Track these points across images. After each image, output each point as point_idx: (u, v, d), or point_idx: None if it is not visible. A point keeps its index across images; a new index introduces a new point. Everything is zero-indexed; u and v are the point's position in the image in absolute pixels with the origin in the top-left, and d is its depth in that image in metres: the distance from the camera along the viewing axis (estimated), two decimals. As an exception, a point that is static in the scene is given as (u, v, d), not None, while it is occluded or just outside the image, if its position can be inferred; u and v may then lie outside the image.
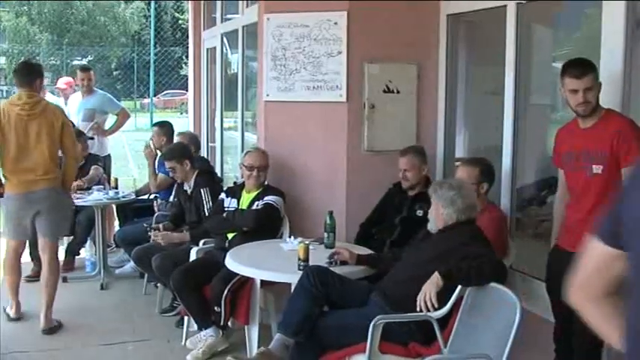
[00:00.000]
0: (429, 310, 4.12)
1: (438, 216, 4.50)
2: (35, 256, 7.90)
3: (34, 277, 7.78)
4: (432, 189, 4.58)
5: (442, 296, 4.20)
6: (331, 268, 4.89)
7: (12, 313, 6.66)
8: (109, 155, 9.48)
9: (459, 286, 4.19)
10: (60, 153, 6.40)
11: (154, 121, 28.69)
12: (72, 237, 8.41)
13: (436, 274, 4.11)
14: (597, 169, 4.14)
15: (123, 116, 9.57)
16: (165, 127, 8.32)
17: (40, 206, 6.26)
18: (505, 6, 5.49)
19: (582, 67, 4.14)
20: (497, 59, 5.72)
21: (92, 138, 8.97)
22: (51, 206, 6.29)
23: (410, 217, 5.50)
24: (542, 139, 6.14)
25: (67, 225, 6.96)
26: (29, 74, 6.41)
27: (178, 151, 6.86)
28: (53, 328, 6.38)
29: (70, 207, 6.97)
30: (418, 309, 4.15)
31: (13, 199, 6.28)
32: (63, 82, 10.50)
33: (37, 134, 6.17)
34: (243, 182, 6.29)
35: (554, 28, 6.39)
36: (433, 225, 4.59)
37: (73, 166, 6.60)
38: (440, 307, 4.21)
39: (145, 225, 6.99)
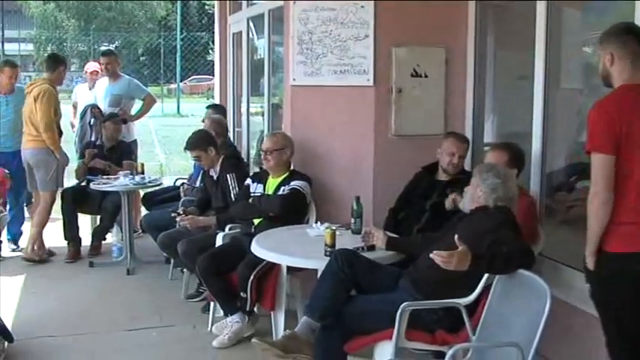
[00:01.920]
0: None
1: (475, 197, 4.44)
2: (70, 238, 8.04)
3: (71, 259, 8.06)
4: (478, 170, 4.51)
5: (470, 282, 4.15)
6: (360, 253, 4.86)
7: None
8: (135, 141, 9.49)
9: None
10: None
11: (180, 107, 29.10)
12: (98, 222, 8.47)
13: (470, 255, 3.96)
14: None
15: (149, 102, 9.58)
16: (219, 110, 8.58)
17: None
18: (535, -11, 5.41)
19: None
20: (526, 43, 5.64)
21: (125, 122, 8.99)
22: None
23: (441, 203, 5.42)
24: (572, 124, 6.05)
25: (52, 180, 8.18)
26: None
27: (201, 140, 6.81)
28: (30, 260, 8.04)
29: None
30: (432, 255, 4.00)
31: None
32: (90, 67, 10.50)
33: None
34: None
35: (585, 11, 6.29)
36: (467, 204, 4.53)
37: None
38: (468, 294, 4.17)
39: (170, 210, 6.98)
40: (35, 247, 8.17)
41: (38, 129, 8.00)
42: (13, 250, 8.49)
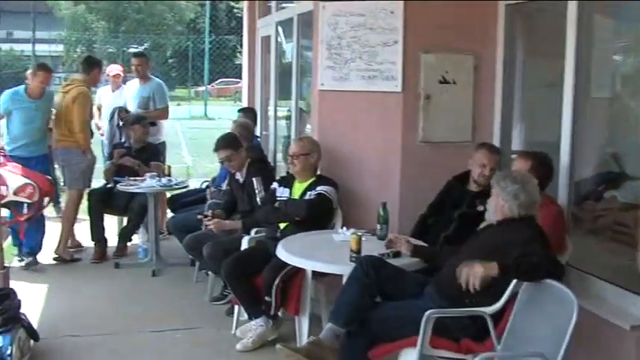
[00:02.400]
0: (469, 292, 4.04)
1: (498, 208, 4.41)
2: (96, 239, 8.10)
3: (97, 260, 8.16)
4: (495, 180, 4.47)
5: (496, 291, 4.12)
6: (385, 259, 4.84)
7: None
8: (164, 142, 9.52)
9: (514, 281, 4.10)
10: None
11: (207, 110, 29.21)
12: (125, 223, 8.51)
13: (495, 263, 3.99)
14: None
15: (161, 114, 9.45)
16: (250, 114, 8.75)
17: None
18: (567, -4, 5.37)
19: None
20: (556, 50, 5.60)
21: (154, 124, 9.02)
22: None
23: (469, 213, 5.39)
24: (601, 133, 6.00)
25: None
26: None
27: (232, 140, 6.85)
28: (59, 259, 8.17)
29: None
30: (459, 280, 4.06)
31: None
32: (112, 70, 10.53)
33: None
34: (296, 172, 6.27)
35: (616, 19, 6.24)
36: (492, 215, 4.50)
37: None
38: (493, 302, 4.14)
39: (197, 213, 7.00)
40: (62, 246, 8.26)
41: (71, 129, 8.23)
42: (27, 264, 7.90)
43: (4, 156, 7.38)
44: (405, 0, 6.14)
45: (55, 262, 8.18)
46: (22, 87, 8.27)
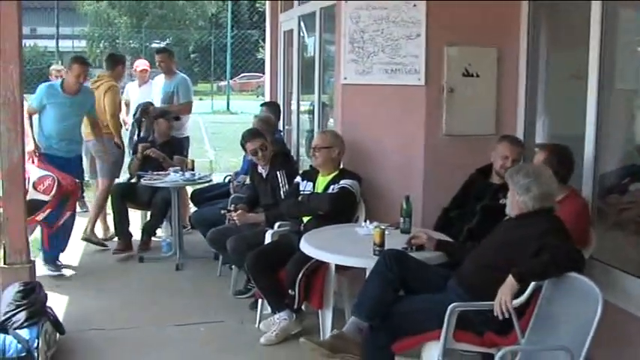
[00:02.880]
0: (504, 316, 4.03)
1: (514, 202, 4.39)
2: (120, 233, 8.15)
3: (121, 250, 8.23)
4: (509, 174, 4.47)
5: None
6: (409, 253, 4.84)
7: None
8: (187, 137, 9.55)
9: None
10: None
11: (230, 104, 29.26)
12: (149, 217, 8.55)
13: (510, 277, 4.00)
14: None
15: (183, 109, 9.45)
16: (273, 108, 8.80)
17: None
18: (591, -12, 5.34)
19: None
20: (580, 42, 5.56)
21: (178, 118, 9.06)
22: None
23: (492, 206, 5.37)
24: (626, 125, 5.96)
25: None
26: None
27: (258, 132, 6.94)
28: (88, 239, 8.37)
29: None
30: (495, 314, 4.06)
31: None
32: (140, 65, 10.54)
33: None
34: (319, 165, 6.27)
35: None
36: (510, 210, 4.49)
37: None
38: (517, 296, 4.12)
39: (220, 208, 7.02)
40: (90, 229, 8.42)
41: (104, 120, 8.44)
42: (51, 271, 7.43)
43: (39, 155, 7.42)
44: (428, -7, 6.13)
45: (83, 242, 8.38)
46: (58, 81, 8.13)
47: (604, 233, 5.32)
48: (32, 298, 5.26)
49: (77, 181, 6.93)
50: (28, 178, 6.46)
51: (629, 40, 5.83)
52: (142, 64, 10.56)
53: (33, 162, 7.17)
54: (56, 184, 6.70)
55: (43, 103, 7.68)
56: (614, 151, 5.73)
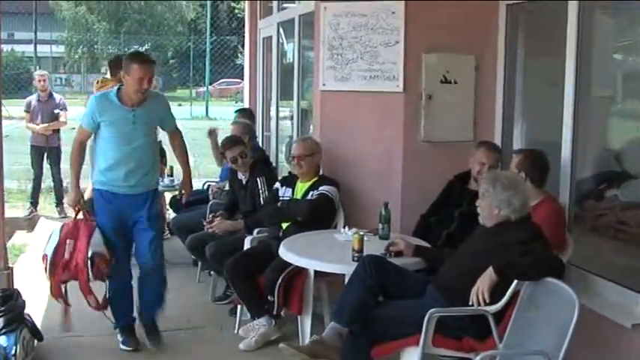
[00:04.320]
0: (480, 305, 4.06)
1: (492, 215, 4.41)
2: None
3: None
4: (484, 187, 4.46)
5: (498, 290, 4.13)
6: (387, 259, 4.86)
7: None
8: (160, 142, 9.48)
9: (515, 281, 4.12)
10: None
11: (209, 110, 29.19)
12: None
13: (490, 269, 4.05)
14: None
15: None
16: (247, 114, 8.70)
17: None
18: (567, -4, 5.39)
19: None
20: (557, 50, 5.62)
21: None
22: None
23: (470, 212, 5.40)
24: (602, 131, 6.02)
25: None
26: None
27: (239, 139, 6.95)
28: None
29: None
30: (470, 302, 4.10)
31: None
32: None
33: None
34: (298, 172, 6.28)
35: (616, 18, 6.25)
36: (486, 221, 4.50)
37: None
38: (495, 302, 4.15)
39: (199, 214, 7.02)
40: None
41: None
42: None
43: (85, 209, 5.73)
44: (407, 0, 6.16)
45: None
46: (113, 90, 5.62)
47: (581, 239, 5.36)
48: (10, 305, 5.24)
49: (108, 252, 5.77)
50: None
51: (605, 47, 5.89)
52: None
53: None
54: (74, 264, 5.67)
55: (97, 122, 5.54)
56: (590, 158, 5.79)
